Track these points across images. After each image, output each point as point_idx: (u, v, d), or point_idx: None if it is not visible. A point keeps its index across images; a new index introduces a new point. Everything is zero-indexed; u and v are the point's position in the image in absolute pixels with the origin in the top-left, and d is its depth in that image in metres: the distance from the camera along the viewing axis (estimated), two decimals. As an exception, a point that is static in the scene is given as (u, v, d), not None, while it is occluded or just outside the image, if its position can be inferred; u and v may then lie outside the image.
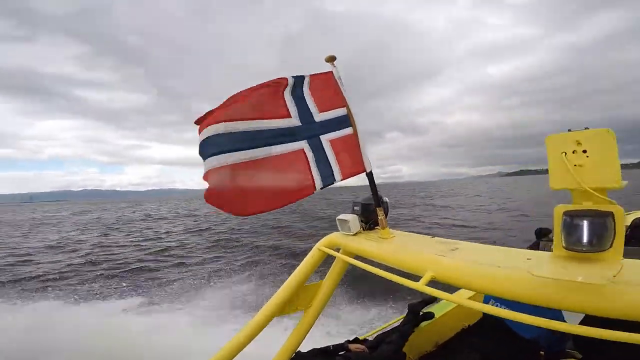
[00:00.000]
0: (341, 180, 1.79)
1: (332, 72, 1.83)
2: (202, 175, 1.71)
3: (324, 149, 1.77)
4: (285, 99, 1.73)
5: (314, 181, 1.73)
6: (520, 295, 0.97)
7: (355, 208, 1.96)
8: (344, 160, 1.80)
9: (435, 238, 1.63)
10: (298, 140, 1.73)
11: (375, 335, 2.48)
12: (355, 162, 1.81)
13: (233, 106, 1.64)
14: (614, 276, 0.81)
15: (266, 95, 1.69)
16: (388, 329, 2.56)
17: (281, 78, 1.74)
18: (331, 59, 1.81)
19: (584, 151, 0.91)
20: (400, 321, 2.34)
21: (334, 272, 1.99)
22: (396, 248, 1.58)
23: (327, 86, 1.82)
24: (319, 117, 1.79)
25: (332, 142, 1.79)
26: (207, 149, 1.65)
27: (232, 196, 1.67)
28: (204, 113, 1.69)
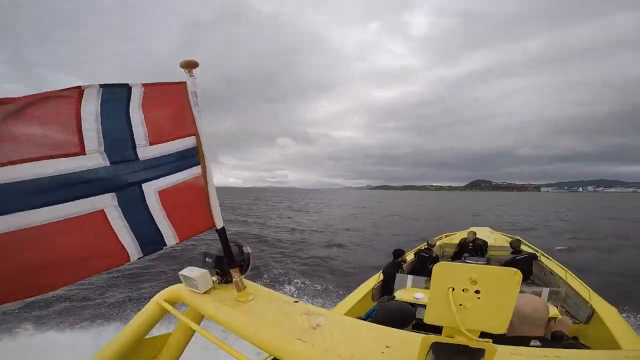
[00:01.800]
0: (177, 243, 1.25)
1: (186, 83, 1.21)
2: None
3: (146, 204, 1.16)
4: (83, 124, 1.02)
5: (126, 250, 1.13)
6: None
7: (207, 260, 1.47)
8: (182, 214, 1.26)
9: (300, 303, 1.34)
10: (97, 195, 1.06)
11: None
12: (201, 216, 1.30)
13: None
14: None
15: (48, 116, 0.97)
16: None
17: (75, 87, 1.01)
18: (189, 65, 1.20)
19: (477, 292, 0.72)
20: None
21: (184, 324, 1.54)
22: (249, 319, 1.24)
23: (172, 104, 1.21)
24: (147, 151, 1.16)
25: (163, 193, 1.20)
26: None
27: None
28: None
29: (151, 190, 1.17)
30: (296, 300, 1.37)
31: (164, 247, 1.22)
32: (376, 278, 4.64)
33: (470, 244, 6.95)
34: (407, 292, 3.56)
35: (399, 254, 5.44)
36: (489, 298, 0.72)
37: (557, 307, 2.74)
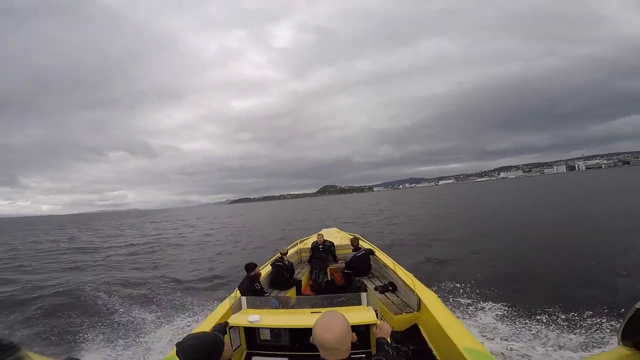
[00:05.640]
0: None
1: None
2: None
3: None
4: None
5: None
6: None
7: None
8: None
9: None
10: None
11: None
12: None
13: None
14: None
15: None
16: None
17: None
18: None
19: None
20: None
21: None
22: None
23: None
24: None
25: None
26: None
27: None
28: None
29: None
30: None
31: None
32: (234, 296, 4.11)
33: (321, 246, 7.36)
34: (242, 315, 3.19)
35: (251, 267, 5.12)
36: None
37: (376, 311, 2.90)
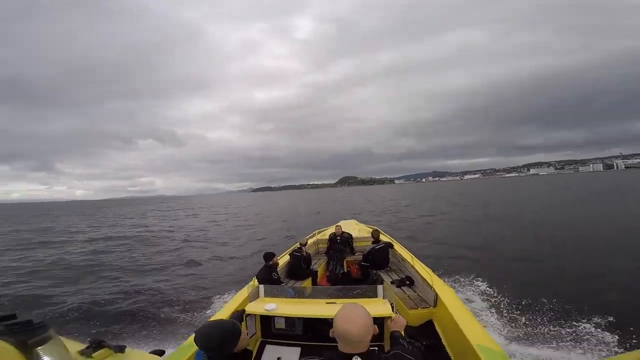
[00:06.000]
0: None
1: None
2: None
3: None
4: None
5: None
6: None
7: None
8: None
9: None
10: None
11: None
12: None
13: None
14: None
15: None
16: None
17: None
18: None
19: None
20: None
21: None
22: None
23: None
24: None
25: None
26: None
27: None
28: None
29: None
30: None
31: None
32: (252, 284, 4.22)
33: (339, 238, 7.38)
34: (259, 303, 3.25)
35: (269, 256, 5.22)
36: None
37: (392, 304, 2.87)
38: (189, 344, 2.74)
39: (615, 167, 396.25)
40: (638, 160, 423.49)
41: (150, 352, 2.26)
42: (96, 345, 1.86)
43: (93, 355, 1.80)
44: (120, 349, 1.96)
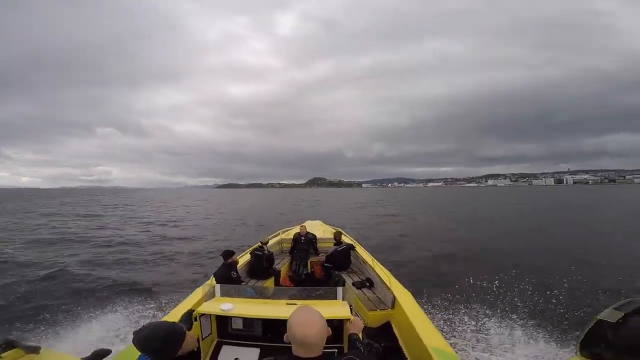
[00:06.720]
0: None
1: None
2: None
3: None
4: None
5: None
6: None
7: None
8: None
9: None
10: None
11: None
12: None
13: None
14: None
15: None
16: None
17: None
18: None
19: None
20: None
21: None
22: None
23: None
24: None
25: None
26: None
27: None
28: None
29: None
30: None
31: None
32: (209, 284, 4.03)
33: (303, 238, 7.35)
34: (214, 303, 3.14)
35: (228, 255, 5.06)
36: None
37: (351, 306, 2.91)
38: (130, 350, 2.56)
39: (565, 182, 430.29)
40: (585, 176, 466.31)
41: (96, 351, 2.13)
42: (6, 345, 1.75)
43: (2, 355, 1.70)
44: (34, 350, 1.87)
